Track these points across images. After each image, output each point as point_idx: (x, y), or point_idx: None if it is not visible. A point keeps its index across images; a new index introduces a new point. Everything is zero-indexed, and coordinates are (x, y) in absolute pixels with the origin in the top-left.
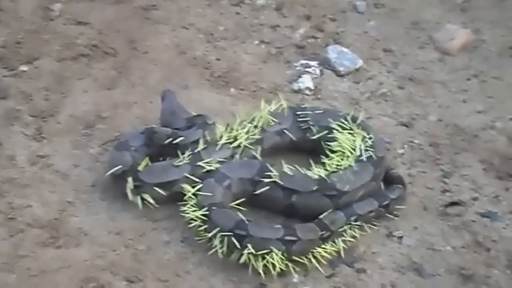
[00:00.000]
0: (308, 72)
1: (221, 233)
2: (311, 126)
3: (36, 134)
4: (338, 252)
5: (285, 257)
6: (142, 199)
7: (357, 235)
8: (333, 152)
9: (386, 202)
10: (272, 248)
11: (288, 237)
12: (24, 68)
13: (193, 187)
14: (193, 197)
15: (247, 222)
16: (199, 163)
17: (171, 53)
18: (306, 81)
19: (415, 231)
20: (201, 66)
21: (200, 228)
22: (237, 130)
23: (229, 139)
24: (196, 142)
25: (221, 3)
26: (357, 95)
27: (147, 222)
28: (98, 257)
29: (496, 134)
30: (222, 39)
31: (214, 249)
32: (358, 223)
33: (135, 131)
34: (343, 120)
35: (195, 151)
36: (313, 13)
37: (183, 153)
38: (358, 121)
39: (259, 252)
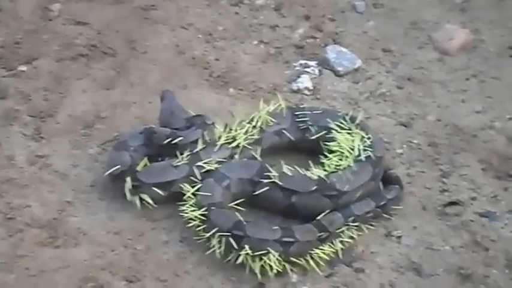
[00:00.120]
0: (307, 72)
1: (219, 233)
2: (310, 126)
3: (35, 134)
4: (336, 253)
5: (282, 258)
6: (141, 199)
7: (355, 236)
8: (331, 152)
9: (383, 202)
10: (269, 249)
11: (285, 239)
12: (23, 68)
13: (192, 187)
14: (192, 196)
15: (245, 223)
16: (198, 163)
17: (170, 53)
18: (305, 81)
19: (413, 231)
20: (200, 66)
21: (199, 228)
22: (235, 130)
23: (228, 139)
24: (195, 142)
25: (220, 3)
26: (355, 95)
27: (146, 222)
28: (97, 256)
29: (494, 134)
30: (221, 39)
31: (212, 249)
32: (355, 224)
33: (134, 131)
34: (341, 120)
35: (194, 151)
36: (312, 13)
37: (182, 154)
38: (357, 121)
39: (257, 253)
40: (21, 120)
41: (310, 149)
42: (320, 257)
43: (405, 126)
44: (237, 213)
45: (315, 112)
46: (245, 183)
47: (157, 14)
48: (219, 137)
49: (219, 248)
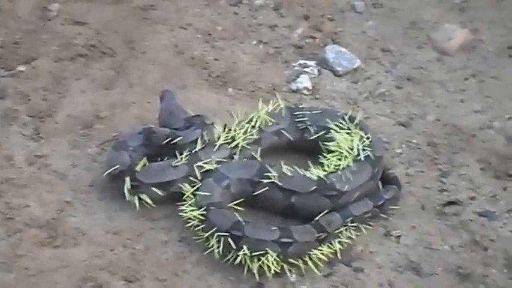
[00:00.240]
0: (306, 72)
1: (218, 233)
2: (309, 126)
3: (34, 134)
4: (335, 253)
5: (280, 259)
6: (140, 199)
7: (353, 236)
8: (330, 152)
9: (380, 202)
10: (267, 249)
11: (283, 239)
12: (22, 68)
13: (192, 187)
14: (191, 196)
15: (244, 223)
16: (197, 163)
17: (169, 53)
18: (304, 81)
19: (412, 230)
20: (199, 66)
21: (198, 228)
22: (234, 130)
23: (227, 139)
24: (195, 142)
25: (219, 3)
26: (355, 95)
27: (145, 222)
28: (96, 256)
29: (493, 133)
30: (220, 39)
31: (211, 249)
32: (354, 224)
33: (133, 131)
34: (341, 120)
35: (193, 151)
36: (311, 13)
37: (181, 154)
38: (356, 121)
39: (255, 254)
40: (20, 120)
41: (309, 149)
42: (319, 258)
43: (404, 126)
44: (236, 214)
45: (314, 112)
46: (245, 183)
47: (156, 14)
48: (218, 137)
49: (218, 248)
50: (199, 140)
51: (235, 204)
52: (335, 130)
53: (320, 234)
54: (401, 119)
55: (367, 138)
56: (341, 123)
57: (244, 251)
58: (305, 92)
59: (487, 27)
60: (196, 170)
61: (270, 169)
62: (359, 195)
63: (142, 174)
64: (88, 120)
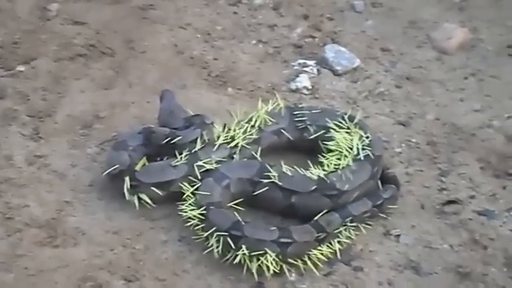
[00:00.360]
0: (305, 71)
1: (217, 233)
2: (308, 126)
3: (34, 134)
4: (334, 253)
5: (280, 259)
6: (140, 199)
7: (352, 236)
8: (330, 151)
9: (379, 202)
10: (266, 249)
11: (283, 239)
12: (21, 68)
13: (191, 186)
14: (191, 196)
15: (243, 223)
16: (197, 163)
17: (168, 52)
18: (304, 81)
19: (412, 229)
20: (198, 65)
21: (197, 228)
22: (234, 130)
23: (226, 139)
24: (194, 142)
25: (218, 3)
26: (354, 94)
27: (145, 222)
28: (96, 256)
29: (493, 132)
30: (219, 39)
31: (210, 249)
32: (353, 224)
33: (133, 131)
34: (340, 120)
35: (193, 151)
36: (310, 12)
37: (180, 153)
38: (356, 120)
39: (254, 253)
40: (20, 120)
41: (309, 149)
42: (318, 258)
43: (404, 125)
44: (235, 213)
45: (313, 111)
46: (245, 183)
47: (155, 14)
48: (218, 137)
49: (217, 247)
50: (198, 140)
51: (235, 204)
52: (334, 129)
53: (319, 234)
54: (400, 118)
55: (367, 137)
56: (340, 122)
57: (243, 250)
58: (304, 91)
59: (486, 26)
60: (196, 169)
61: (270, 169)
62: (359, 195)
63: (142, 174)
64: (87, 120)
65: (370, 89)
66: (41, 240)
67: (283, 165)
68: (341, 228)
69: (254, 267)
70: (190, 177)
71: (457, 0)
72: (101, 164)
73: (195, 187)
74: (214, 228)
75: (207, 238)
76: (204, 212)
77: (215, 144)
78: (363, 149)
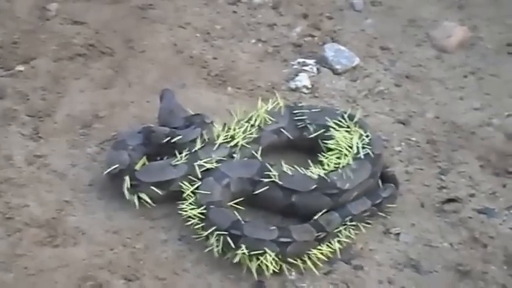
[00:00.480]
0: (305, 70)
1: (217, 232)
2: (308, 125)
3: (33, 134)
4: (334, 252)
5: (279, 258)
6: (140, 198)
7: (352, 235)
8: (330, 150)
9: (378, 201)
10: (266, 249)
11: (282, 239)
12: (20, 67)
13: (192, 185)
14: (191, 195)
15: (243, 222)
16: (197, 162)
17: (168, 52)
18: (303, 80)
19: (412, 228)
20: (198, 65)
21: (197, 227)
22: (234, 129)
23: (226, 138)
24: (194, 141)
25: (218, 2)
26: (354, 93)
27: (145, 221)
28: (96, 255)
29: (493, 130)
30: (219, 38)
31: (210, 248)
32: (353, 223)
33: (133, 130)
34: (340, 119)
35: (193, 150)
36: (310, 11)
37: (180, 153)
38: (355, 119)
39: (253, 253)
40: (19, 120)
41: (309, 148)
42: (318, 258)
43: (403, 123)
44: (235, 213)
45: (313, 110)
46: (245, 182)
47: (155, 13)
48: (218, 136)
49: (217, 246)
50: (198, 139)
51: (235, 203)
52: (334, 128)
53: (319, 233)
54: (400, 116)
55: (367, 136)
56: (340, 121)
57: (242, 250)
58: (304, 90)
59: (485, 24)
60: (196, 168)
61: (271, 168)
62: (359, 194)
63: (142, 174)
64: (87, 119)
65: (370, 87)
66: (41, 240)
67: (283, 164)
68: (341, 228)
69: (254, 266)
70: (190, 177)
71: None
72: (101, 164)
73: (195, 186)
74: (214, 228)
75: (207, 237)
76: (204, 211)
77: (215, 144)
78: (363, 148)
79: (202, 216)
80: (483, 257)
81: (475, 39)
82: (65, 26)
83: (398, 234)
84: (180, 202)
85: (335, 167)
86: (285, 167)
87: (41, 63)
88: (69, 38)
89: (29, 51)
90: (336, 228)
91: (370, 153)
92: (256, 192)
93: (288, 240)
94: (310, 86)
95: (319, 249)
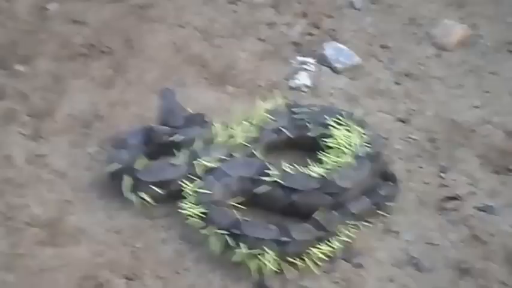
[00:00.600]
0: (305, 69)
1: (217, 231)
2: (308, 124)
3: (34, 134)
4: (334, 252)
5: (279, 257)
6: (140, 197)
7: (352, 234)
8: (330, 149)
9: (378, 200)
10: (265, 248)
11: (282, 238)
12: (20, 67)
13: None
14: (192, 193)
15: (242, 221)
16: (197, 161)
17: (167, 51)
18: (303, 78)
19: (412, 226)
20: (197, 64)
21: (198, 225)
22: (234, 128)
23: (226, 137)
24: (194, 140)
25: (217, 2)
26: (354, 92)
27: (145, 220)
28: (97, 255)
29: (492, 128)
30: (218, 37)
31: (210, 247)
32: (352, 222)
33: (133, 130)
34: (339, 117)
35: (193, 150)
36: (309, 10)
37: (180, 152)
38: (355, 118)
39: (252, 252)
40: (20, 119)
41: (309, 146)
42: (318, 257)
43: (403, 122)
44: (236, 212)
45: (313, 109)
46: (246, 181)
47: (154, 13)
48: (218, 135)
49: (217, 245)
50: (199, 138)
51: (236, 202)
52: (334, 127)
53: (319, 232)
54: (400, 115)
55: (366, 134)
56: (340, 120)
57: (242, 249)
58: (304, 89)
59: (485, 22)
60: (196, 168)
61: (271, 167)
62: (359, 192)
63: (142, 173)
64: (87, 119)
65: (370, 86)
66: (42, 240)
67: (284, 163)
68: (341, 227)
69: (253, 265)
70: (191, 176)
71: None
72: (101, 163)
73: (195, 185)
74: (214, 227)
75: (207, 236)
76: (204, 210)
77: (215, 143)
78: (363, 146)
79: (203, 215)
80: (483, 254)
81: (475, 37)
82: (64, 25)
83: (398, 232)
84: (180, 201)
85: (335, 166)
86: (286, 166)
87: (41, 63)
88: (69, 38)
89: (29, 51)
90: (336, 228)
91: (370, 151)
92: (257, 191)
93: (288, 239)
94: (310, 85)
95: (319, 249)
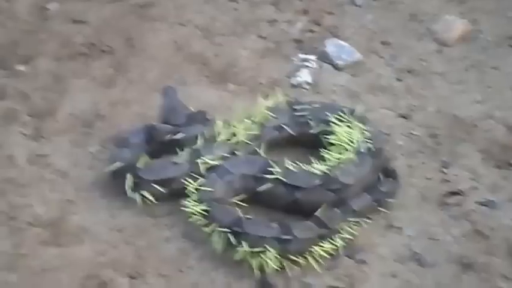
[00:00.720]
0: (306, 66)
1: (219, 229)
2: (309, 121)
3: (35, 134)
4: (336, 249)
5: (281, 255)
6: (142, 196)
7: (354, 232)
8: (332, 145)
9: (379, 196)
10: (266, 246)
11: (283, 236)
12: (21, 67)
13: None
14: (195, 191)
15: (244, 219)
16: (199, 160)
17: (168, 50)
18: (305, 76)
19: (415, 221)
20: (199, 62)
21: (200, 223)
22: (235, 126)
23: (228, 135)
24: (196, 138)
25: (218, 0)
26: (355, 88)
27: (148, 219)
28: (100, 254)
29: (494, 123)
30: (219, 35)
31: (212, 245)
32: (354, 219)
33: (135, 128)
34: (341, 114)
35: (195, 148)
36: (310, 7)
37: (182, 150)
38: (357, 114)
39: (254, 250)
40: (21, 120)
41: (310, 143)
42: (320, 255)
43: (405, 118)
44: (238, 209)
45: (314, 106)
46: (248, 179)
47: (155, 11)
48: (219, 133)
49: (219, 243)
50: (200, 136)
51: (239, 200)
52: (336, 124)
53: (321, 230)
54: (402, 111)
55: (368, 131)
56: (342, 116)
57: (243, 247)
58: (305, 86)
59: (486, 17)
60: (199, 166)
61: (274, 165)
62: (361, 188)
63: (144, 171)
64: (89, 118)
65: (371, 82)
66: (45, 239)
67: (286, 161)
68: (342, 224)
69: (255, 263)
70: (193, 174)
71: None
72: (103, 163)
73: (197, 183)
74: (216, 225)
75: (210, 234)
76: (206, 208)
77: (217, 141)
78: (365, 143)
79: (205, 213)
80: (486, 249)
81: (476, 32)
82: (65, 25)
83: (401, 228)
84: (183, 199)
85: (337, 162)
86: (288, 164)
87: (42, 63)
88: (69, 37)
89: (29, 51)
90: (338, 225)
91: (372, 147)
92: (260, 189)
93: (289, 237)
94: (311, 82)
95: (321, 246)
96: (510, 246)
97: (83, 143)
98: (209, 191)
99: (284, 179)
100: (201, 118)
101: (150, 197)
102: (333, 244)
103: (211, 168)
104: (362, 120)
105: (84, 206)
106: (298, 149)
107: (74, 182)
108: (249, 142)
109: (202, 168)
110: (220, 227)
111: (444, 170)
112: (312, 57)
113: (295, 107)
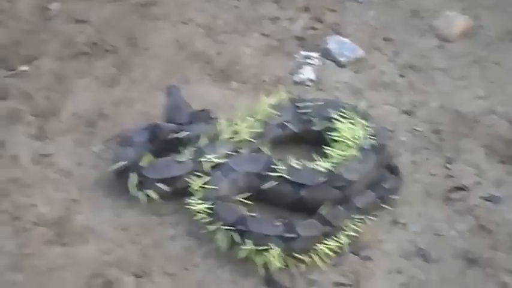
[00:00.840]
0: (309, 63)
1: (223, 227)
2: (312, 118)
3: (39, 133)
4: (341, 247)
5: (285, 254)
6: (147, 195)
7: (358, 229)
8: (334, 142)
9: (382, 193)
10: (270, 244)
11: (287, 234)
12: (24, 67)
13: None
14: (199, 190)
15: (248, 217)
16: (203, 158)
17: (171, 48)
18: (307, 73)
19: (419, 217)
20: (201, 60)
21: (205, 221)
22: (239, 124)
23: (231, 133)
24: (200, 137)
25: None
26: (358, 85)
27: (153, 218)
28: (105, 253)
29: (497, 118)
30: (222, 33)
31: (217, 243)
32: (358, 216)
33: (139, 127)
34: (344, 111)
35: (198, 146)
36: (311, 4)
37: (186, 149)
38: (360, 111)
39: (258, 248)
40: (24, 119)
41: (314, 141)
42: (325, 253)
43: (408, 114)
44: (243, 207)
45: (317, 103)
46: (252, 177)
47: (157, 10)
48: (223, 131)
49: (223, 241)
50: (204, 135)
51: (244, 198)
52: (339, 120)
53: (325, 228)
54: (405, 107)
55: (371, 127)
56: (345, 113)
57: (248, 245)
58: (308, 83)
59: (487, 13)
60: (203, 164)
61: (278, 163)
62: (365, 185)
63: (148, 170)
64: (92, 118)
65: (374, 79)
66: (49, 239)
67: (291, 158)
68: (347, 221)
69: (259, 261)
70: (197, 172)
71: None
72: (107, 162)
73: (202, 181)
74: (220, 223)
75: (214, 232)
76: (211, 206)
77: (220, 139)
78: (367, 139)
79: (210, 211)
80: (490, 244)
81: (478, 28)
82: (67, 25)
83: (406, 224)
84: (187, 198)
85: (341, 159)
86: (293, 161)
87: (44, 63)
88: (71, 37)
89: (32, 51)
90: (342, 222)
91: (375, 144)
92: (265, 187)
93: (293, 235)
94: (314, 79)
95: (326, 244)
96: None
97: (87, 142)
98: (213, 189)
99: (288, 177)
100: (204, 116)
101: (154, 196)
102: (337, 242)
103: (215, 167)
104: (365, 116)
105: (88, 205)
106: (301, 146)
107: (78, 181)
108: (253, 140)
109: (206, 166)
110: (225, 225)
111: (448, 165)
112: (315, 54)
113: (298, 104)
